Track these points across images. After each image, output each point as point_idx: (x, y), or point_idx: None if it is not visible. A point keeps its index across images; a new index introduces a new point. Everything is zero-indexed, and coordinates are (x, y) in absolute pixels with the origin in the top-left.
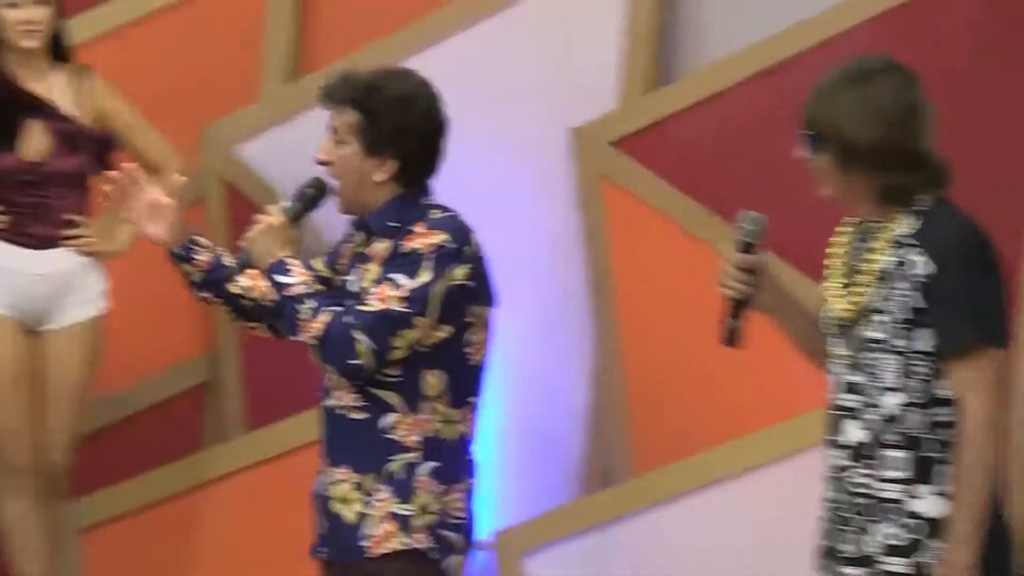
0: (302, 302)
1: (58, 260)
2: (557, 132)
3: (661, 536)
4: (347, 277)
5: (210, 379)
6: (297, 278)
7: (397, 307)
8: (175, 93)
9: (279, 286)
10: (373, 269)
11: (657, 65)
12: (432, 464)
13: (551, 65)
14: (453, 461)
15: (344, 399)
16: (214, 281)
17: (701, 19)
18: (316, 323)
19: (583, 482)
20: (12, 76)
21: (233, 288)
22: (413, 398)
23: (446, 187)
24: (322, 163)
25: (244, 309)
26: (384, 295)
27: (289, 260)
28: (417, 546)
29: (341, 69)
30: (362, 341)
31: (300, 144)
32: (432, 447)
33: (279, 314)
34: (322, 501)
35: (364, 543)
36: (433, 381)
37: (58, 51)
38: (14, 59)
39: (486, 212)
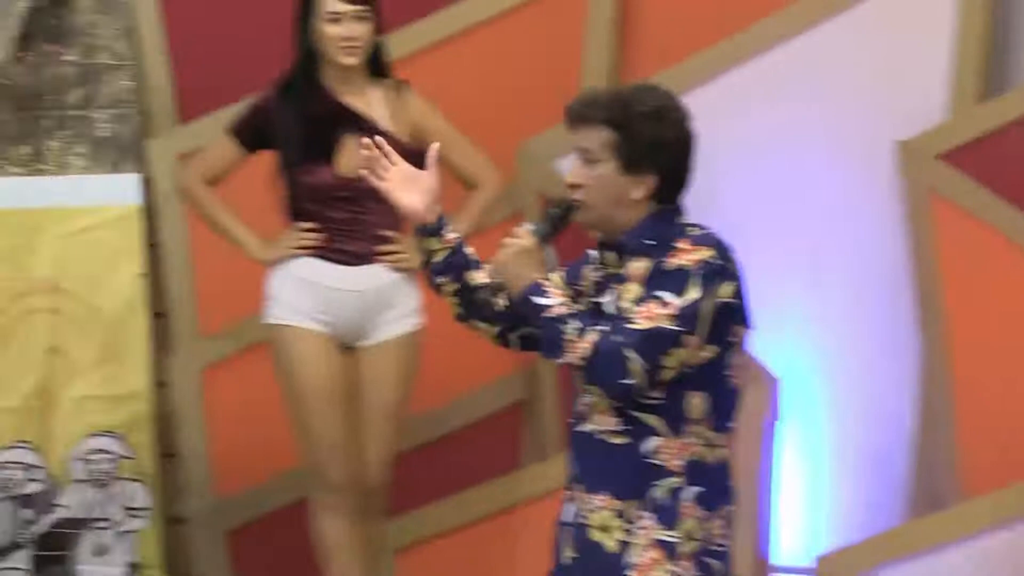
0: (566, 322)
1: (373, 276)
2: (884, 145)
3: (990, 563)
4: (600, 299)
5: (527, 396)
6: (556, 299)
7: (667, 325)
8: (491, 107)
9: (539, 308)
10: (633, 288)
11: (988, 75)
12: (696, 489)
13: (878, 76)
14: (715, 486)
15: (604, 424)
16: (456, 265)
17: None
18: (584, 343)
19: (910, 504)
20: (331, 91)
21: (471, 279)
22: (676, 421)
23: (773, 196)
24: (574, 186)
25: (475, 304)
26: (652, 313)
27: (544, 281)
28: (683, 574)
29: (586, 91)
30: (634, 360)
31: None
32: (695, 471)
33: (531, 326)
34: (576, 530)
35: (628, 572)
36: (697, 403)
37: (376, 66)
38: (333, 75)
39: (812, 224)
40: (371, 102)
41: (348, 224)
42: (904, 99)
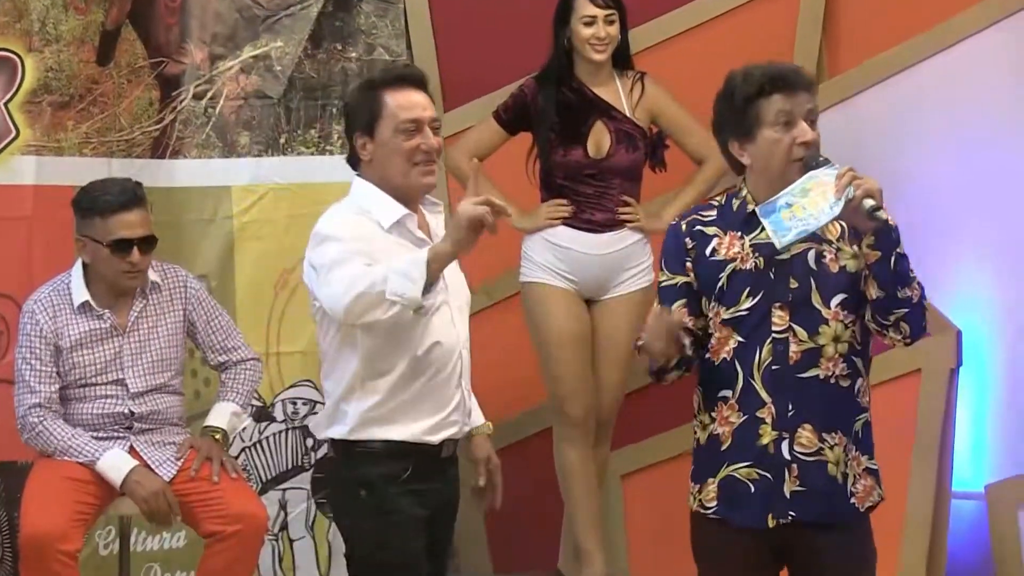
0: (908, 262)
1: (615, 241)
2: None
3: None
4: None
5: None
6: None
7: None
8: (714, 95)
9: (898, 241)
10: (845, 248)
11: None
12: (870, 420)
13: None
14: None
15: (835, 369)
16: (685, 362)
17: None
18: (918, 285)
19: None
20: (583, 83)
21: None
22: (867, 362)
23: (963, 186)
24: (810, 143)
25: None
26: None
27: None
28: (883, 495)
29: (748, 69)
30: None
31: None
32: (869, 405)
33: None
34: (804, 465)
35: (852, 500)
36: (870, 343)
37: (620, 60)
38: (584, 68)
39: (1004, 208)
40: (616, 92)
41: (595, 198)
42: None
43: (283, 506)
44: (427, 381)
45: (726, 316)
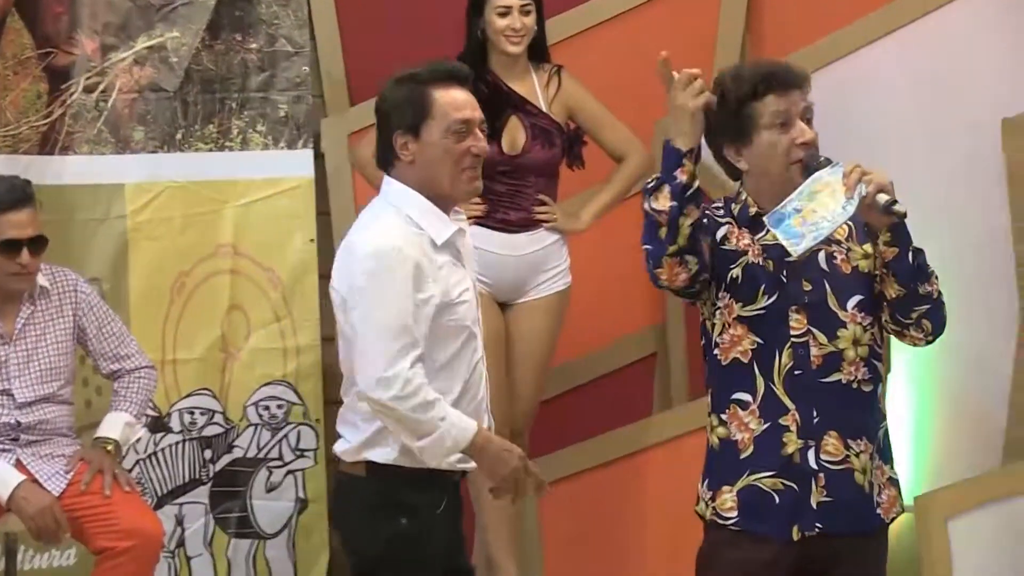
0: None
1: (531, 242)
2: (991, 122)
3: None
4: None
5: (658, 350)
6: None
7: None
8: (635, 88)
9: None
10: (856, 248)
11: None
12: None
13: (986, 57)
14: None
15: (857, 373)
16: (698, 198)
17: None
18: (937, 281)
19: (1008, 452)
20: (497, 76)
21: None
22: (884, 368)
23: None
24: (808, 144)
25: (694, 240)
26: None
27: None
28: (906, 505)
29: (779, 60)
30: None
31: None
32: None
33: None
34: (832, 474)
35: (878, 511)
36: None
37: (536, 52)
38: (499, 61)
39: (922, 196)
40: (532, 86)
41: (509, 196)
42: (1011, 79)
43: (179, 521)
44: (467, 406)
45: (742, 312)
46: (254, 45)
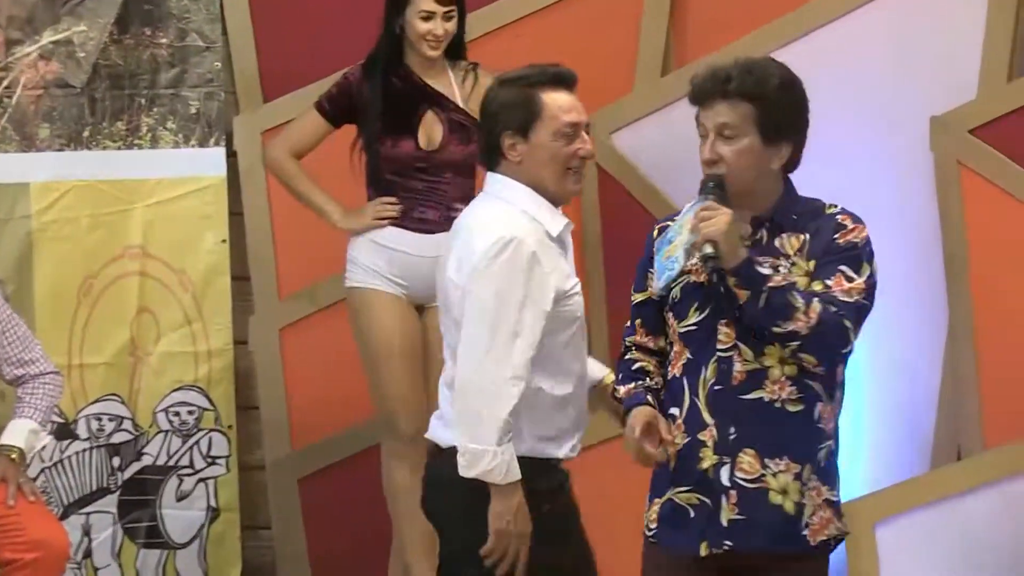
0: (792, 293)
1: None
2: (918, 120)
3: (1012, 509)
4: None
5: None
6: (769, 270)
7: (863, 299)
8: None
9: (763, 278)
10: (800, 263)
11: (1016, 57)
12: (836, 449)
13: (913, 55)
14: (839, 447)
15: (782, 392)
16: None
17: None
18: (812, 313)
19: (937, 457)
20: (413, 71)
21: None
22: (831, 386)
23: (810, 174)
24: (713, 162)
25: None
26: (846, 288)
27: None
28: (844, 529)
29: (706, 67)
30: (851, 330)
31: (669, 134)
32: (837, 433)
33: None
34: (744, 492)
35: (804, 532)
36: (841, 369)
37: (453, 50)
38: (415, 57)
39: (848, 197)
40: (448, 82)
41: (425, 193)
42: (938, 77)
43: (87, 532)
44: (580, 390)
45: (679, 329)
46: (164, 40)
